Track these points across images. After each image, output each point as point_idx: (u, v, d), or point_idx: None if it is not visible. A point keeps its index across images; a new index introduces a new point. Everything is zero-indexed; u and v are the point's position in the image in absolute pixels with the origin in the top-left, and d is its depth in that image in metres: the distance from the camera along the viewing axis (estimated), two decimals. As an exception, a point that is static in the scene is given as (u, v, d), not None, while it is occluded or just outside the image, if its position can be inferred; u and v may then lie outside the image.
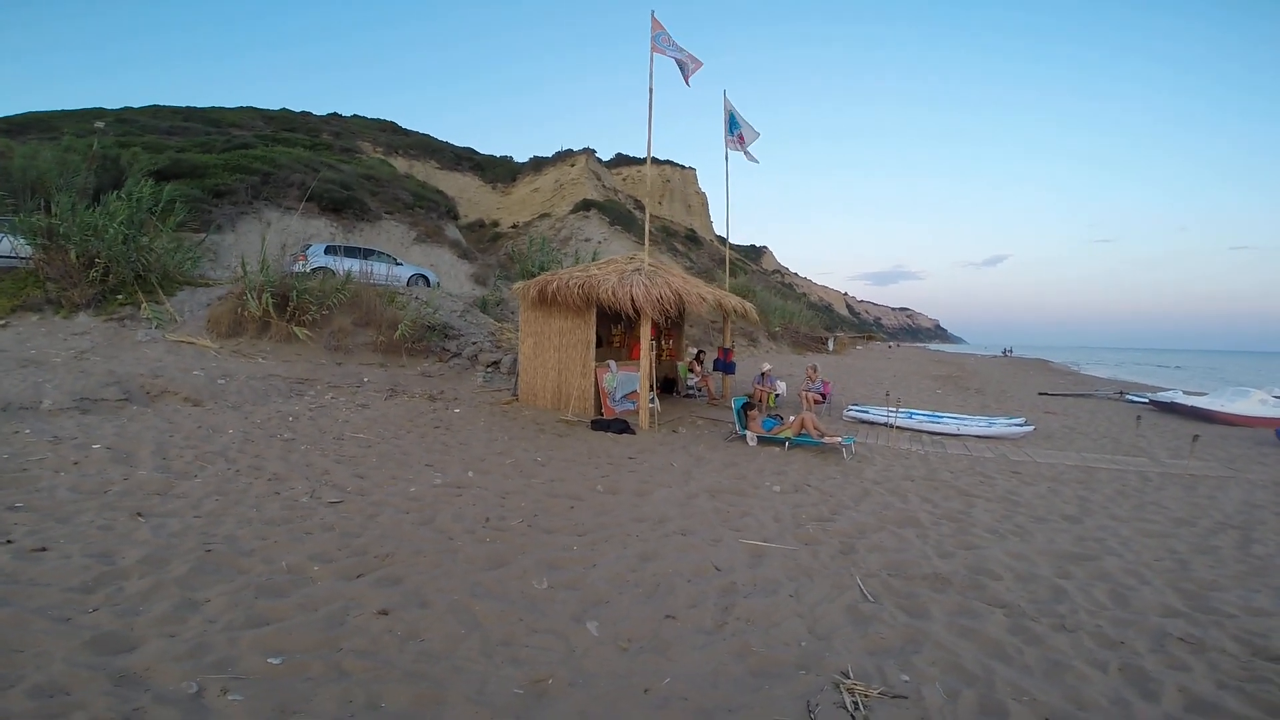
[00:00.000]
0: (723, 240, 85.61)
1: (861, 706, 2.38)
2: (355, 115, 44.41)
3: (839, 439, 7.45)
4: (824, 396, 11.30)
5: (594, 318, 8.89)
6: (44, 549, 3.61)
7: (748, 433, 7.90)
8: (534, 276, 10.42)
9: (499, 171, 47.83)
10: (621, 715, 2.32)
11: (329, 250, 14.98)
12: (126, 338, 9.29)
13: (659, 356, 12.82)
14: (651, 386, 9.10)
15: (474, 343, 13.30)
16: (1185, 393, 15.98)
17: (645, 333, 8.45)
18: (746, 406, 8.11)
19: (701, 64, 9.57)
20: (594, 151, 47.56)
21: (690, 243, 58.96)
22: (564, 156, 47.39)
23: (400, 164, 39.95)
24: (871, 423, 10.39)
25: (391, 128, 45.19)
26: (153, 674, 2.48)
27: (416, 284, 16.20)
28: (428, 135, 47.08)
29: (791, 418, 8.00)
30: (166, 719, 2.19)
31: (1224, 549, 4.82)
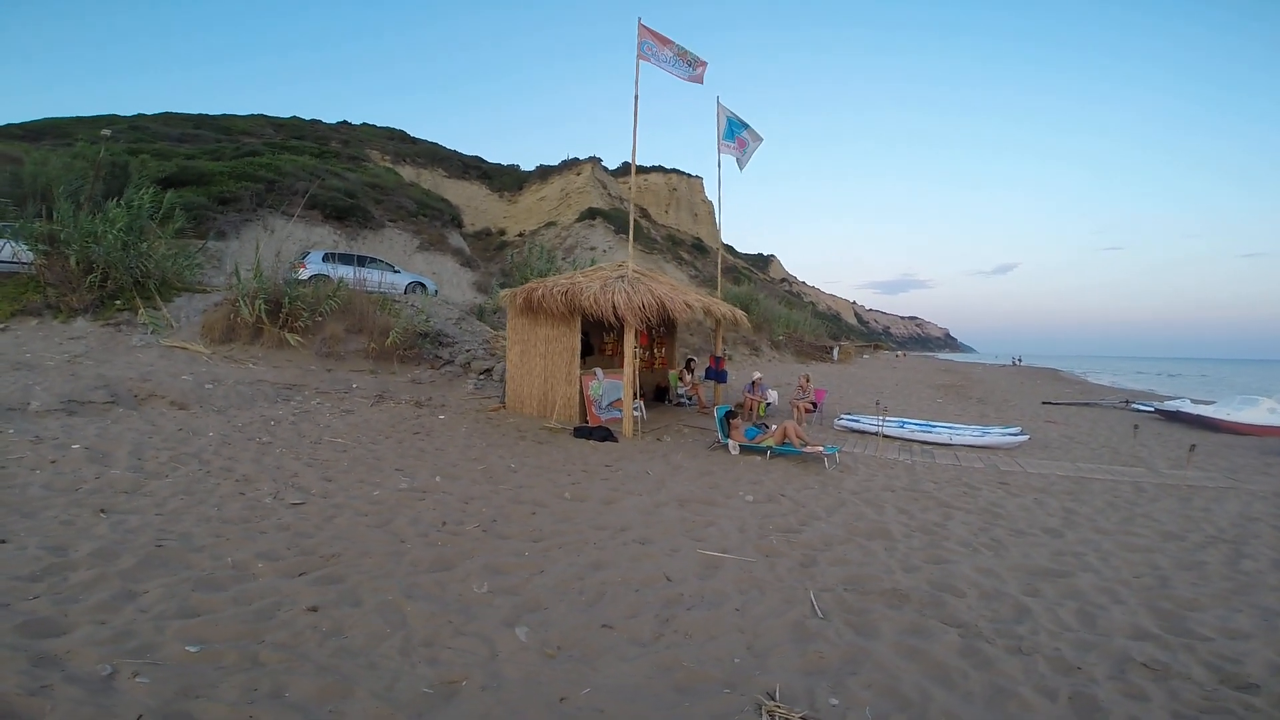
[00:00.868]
0: (729, 248, 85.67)
1: None
2: (365, 124, 45.05)
3: (820, 448, 7.36)
4: (815, 405, 11.20)
5: (579, 325, 8.88)
6: (3, 540, 3.68)
7: (730, 441, 7.82)
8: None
9: (506, 180, 48.24)
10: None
11: (327, 258, 15.15)
12: (121, 343, 9.41)
13: (651, 365, 12.80)
14: (637, 394, 9.07)
15: (467, 350, 13.34)
16: (1193, 401, 15.68)
17: (628, 340, 8.43)
18: (730, 415, 8.04)
19: (705, 64, 9.58)
20: (600, 160, 47.84)
21: (697, 251, 58.96)
22: (570, 165, 47.74)
23: (408, 172, 40.42)
24: (863, 432, 10.27)
25: (400, 136, 45.78)
26: (72, 657, 2.52)
27: (414, 291, 16.31)
28: (436, 143, 47.63)
29: (774, 426, 7.92)
30: (70, 697, 2.22)
31: (1211, 565, 4.65)
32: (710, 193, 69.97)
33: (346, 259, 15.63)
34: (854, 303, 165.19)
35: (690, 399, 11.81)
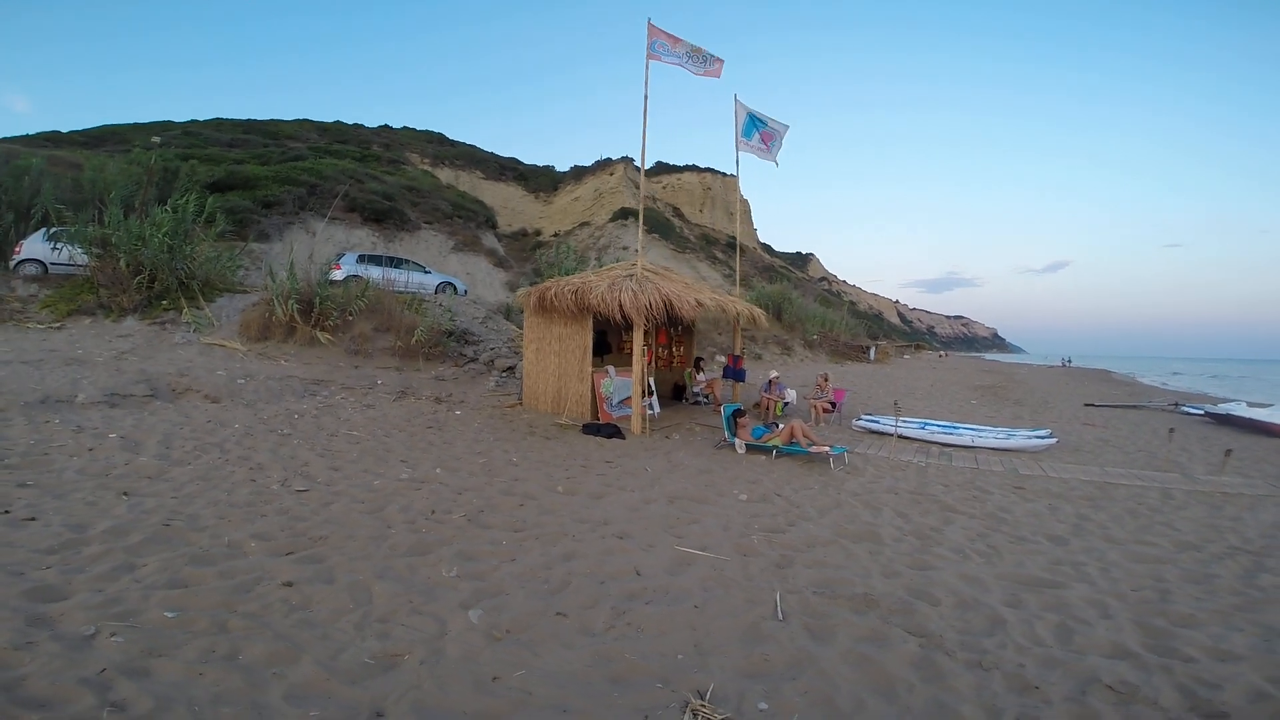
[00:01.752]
0: (767, 247, 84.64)
1: None
2: (405, 127, 46.51)
3: (827, 448, 7.25)
4: (834, 405, 11.01)
5: (590, 324, 9.00)
6: (33, 519, 4.06)
7: (736, 440, 7.80)
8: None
9: (541, 181, 49.03)
10: (451, 696, 2.40)
11: (361, 259, 15.78)
12: (165, 340, 10.07)
13: (670, 363, 12.83)
14: (647, 392, 9.13)
15: (492, 348, 13.67)
16: (1249, 404, 14.69)
17: (637, 338, 8.49)
18: (737, 414, 8.01)
19: (721, 61, 9.56)
20: (632, 160, 48.03)
21: (731, 250, 58.56)
22: (603, 165, 48.13)
23: (446, 174, 41.55)
24: (881, 433, 10.05)
25: (439, 139, 47.09)
26: (64, 618, 2.80)
27: (444, 291, 16.81)
28: (473, 146, 48.80)
29: (780, 425, 7.85)
30: (49, 652, 2.49)
31: (1222, 578, 4.37)
32: (746, 191, 69.23)
33: (379, 260, 16.25)
34: (897, 302, 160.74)
35: (707, 398, 11.79)
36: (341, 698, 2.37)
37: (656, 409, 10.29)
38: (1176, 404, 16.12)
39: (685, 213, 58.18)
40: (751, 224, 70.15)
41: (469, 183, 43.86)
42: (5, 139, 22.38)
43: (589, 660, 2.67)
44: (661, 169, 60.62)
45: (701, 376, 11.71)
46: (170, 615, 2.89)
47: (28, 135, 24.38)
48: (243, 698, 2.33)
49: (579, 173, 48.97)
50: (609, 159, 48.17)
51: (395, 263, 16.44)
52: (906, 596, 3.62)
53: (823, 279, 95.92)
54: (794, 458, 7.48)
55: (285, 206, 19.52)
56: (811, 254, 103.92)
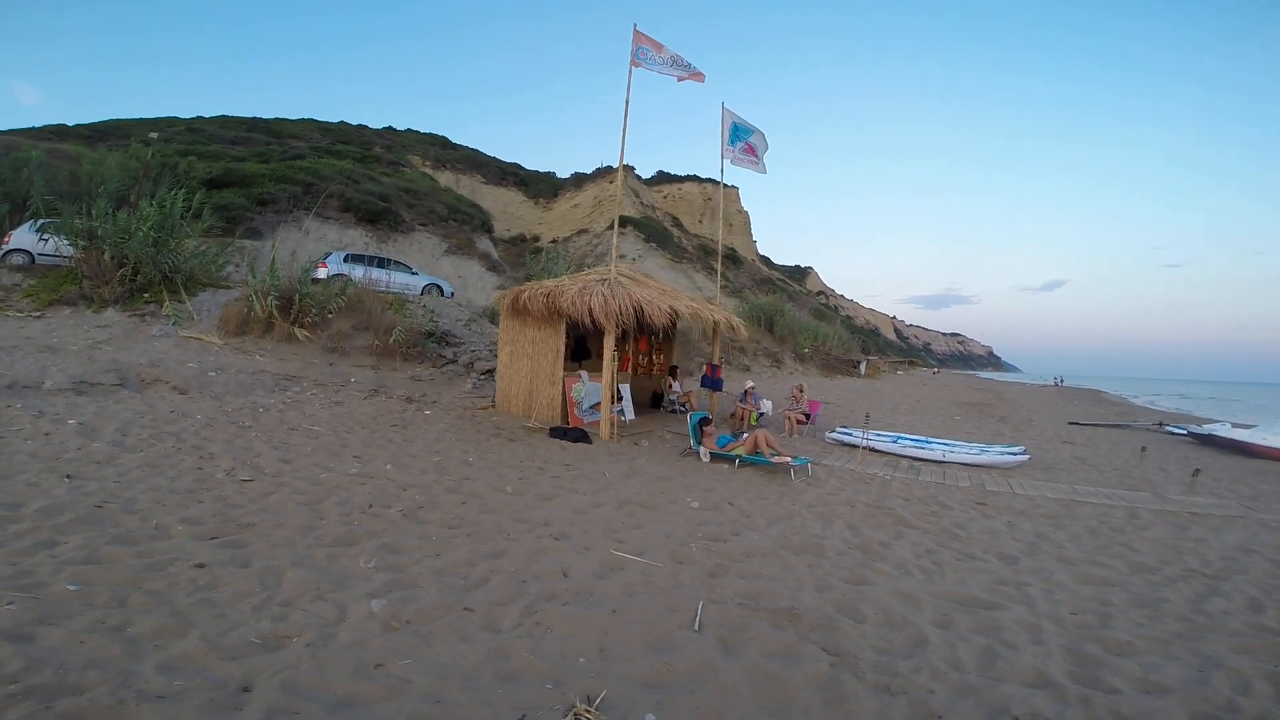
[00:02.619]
0: (766, 260, 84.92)
1: None
2: (409, 129, 46.85)
3: (789, 459, 7.23)
4: (808, 417, 11.00)
5: (562, 328, 9.00)
6: (-32, 496, 4.04)
7: (701, 448, 7.78)
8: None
9: (542, 187, 49.28)
10: (327, 678, 2.42)
11: (348, 258, 15.81)
12: (143, 332, 10.08)
13: (649, 371, 12.84)
14: (617, 398, 9.12)
15: (472, 350, 13.67)
16: (1233, 425, 14.68)
17: (608, 344, 8.49)
18: (703, 422, 7.99)
19: (703, 75, 9.68)
20: (633, 168, 48.29)
21: (729, 262, 58.73)
22: (604, 173, 48.36)
23: (447, 178, 41.79)
24: (854, 445, 10.02)
25: (441, 142, 47.41)
26: None
27: (430, 293, 16.84)
28: (476, 150, 49.12)
29: (745, 435, 7.84)
30: None
31: (1172, 602, 4.26)
32: (746, 203, 69.63)
33: (369, 260, 16.29)
34: (894, 318, 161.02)
35: (684, 406, 11.77)
36: (215, 671, 2.40)
37: (629, 415, 10.29)
38: (1161, 424, 16.11)
39: (685, 223, 58.44)
40: (750, 236, 70.39)
41: (469, 187, 44.11)
42: (10, 131, 22.56)
43: (484, 656, 2.64)
44: (662, 178, 60.96)
45: (676, 385, 11.70)
46: (73, 588, 2.92)
47: (33, 128, 24.56)
48: (115, 665, 2.37)
49: (579, 179, 49.25)
50: (610, 166, 48.49)
51: (382, 263, 16.48)
52: (832, 612, 3.54)
53: (820, 293, 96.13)
54: (757, 468, 7.46)
55: (280, 204, 19.61)
56: (810, 268, 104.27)
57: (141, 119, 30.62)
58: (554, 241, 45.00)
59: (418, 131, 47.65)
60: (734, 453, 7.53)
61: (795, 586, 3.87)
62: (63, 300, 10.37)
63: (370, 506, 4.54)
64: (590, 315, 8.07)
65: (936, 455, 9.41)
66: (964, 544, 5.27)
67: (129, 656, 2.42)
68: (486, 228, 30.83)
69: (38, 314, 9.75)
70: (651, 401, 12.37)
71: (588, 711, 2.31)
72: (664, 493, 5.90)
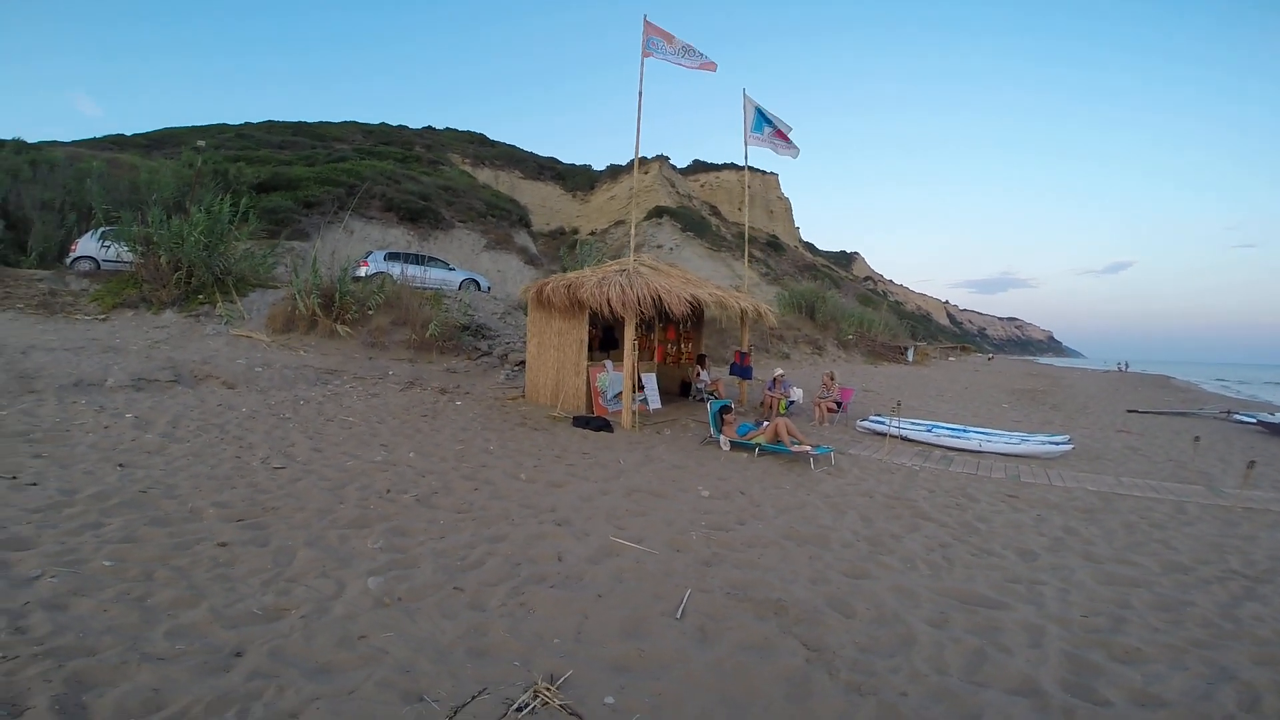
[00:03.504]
0: (809, 246, 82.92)
1: (526, 709, 2.30)
2: (448, 128, 47.94)
3: (809, 448, 7.13)
4: (839, 405, 10.77)
5: (586, 319, 9.11)
6: (34, 484, 4.52)
7: (721, 437, 7.76)
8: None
9: (578, 180, 49.61)
10: (312, 647, 2.62)
11: (388, 257, 16.42)
12: (197, 331, 10.79)
13: (679, 360, 12.84)
14: (637, 387, 9.18)
15: (506, 343, 14.00)
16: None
17: (628, 333, 8.56)
18: (724, 410, 7.95)
19: (714, 65, 9.59)
20: (668, 158, 47.97)
21: (771, 249, 57.69)
22: (639, 164, 48.31)
23: (486, 175, 42.63)
24: (885, 434, 9.77)
25: (480, 139, 48.31)
26: (20, 563, 3.18)
27: (467, 288, 17.30)
28: (513, 146, 49.83)
29: (765, 423, 7.76)
30: None
31: (1199, 606, 3.93)
32: (787, 190, 68.12)
33: (409, 258, 16.88)
34: (946, 302, 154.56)
35: (711, 395, 11.72)
36: (214, 638, 2.63)
37: (655, 404, 10.33)
38: (1229, 411, 14.95)
39: (723, 211, 57.69)
40: (793, 222, 68.87)
41: (508, 182, 44.87)
42: (74, 142, 24.42)
43: (462, 632, 2.78)
44: (699, 167, 60.31)
45: (704, 374, 11.65)
46: (108, 564, 3.23)
47: (94, 139, 26.53)
48: (130, 631, 2.63)
49: (615, 171, 49.32)
50: (644, 158, 48.34)
51: (420, 260, 17.03)
52: (822, 606, 3.46)
53: (867, 278, 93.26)
54: (777, 457, 7.38)
55: (324, 206, 20.50)
56: (856, 253, 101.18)
57: (194, 127, 32.45)
58: (592, 234, 45.31)
59: (456, 130, 48.73)
60: (754, 441, 7.48)
61: (790, 578, 3.81)
62: (125, 303, 11.20)
63: (388, 492, 4.77)
64: (609, 305, 8.14)
65: (972, 445, 9.06)
66: (983, 538, 5.07)
67: (144, 624, 2.69)
68: (524, 222, 31.31)
69: (103, 317, 10.57)
70: (680, 390, 12.38)
71: (547, 689, 2.37)
72: (675, 481, 5.94)
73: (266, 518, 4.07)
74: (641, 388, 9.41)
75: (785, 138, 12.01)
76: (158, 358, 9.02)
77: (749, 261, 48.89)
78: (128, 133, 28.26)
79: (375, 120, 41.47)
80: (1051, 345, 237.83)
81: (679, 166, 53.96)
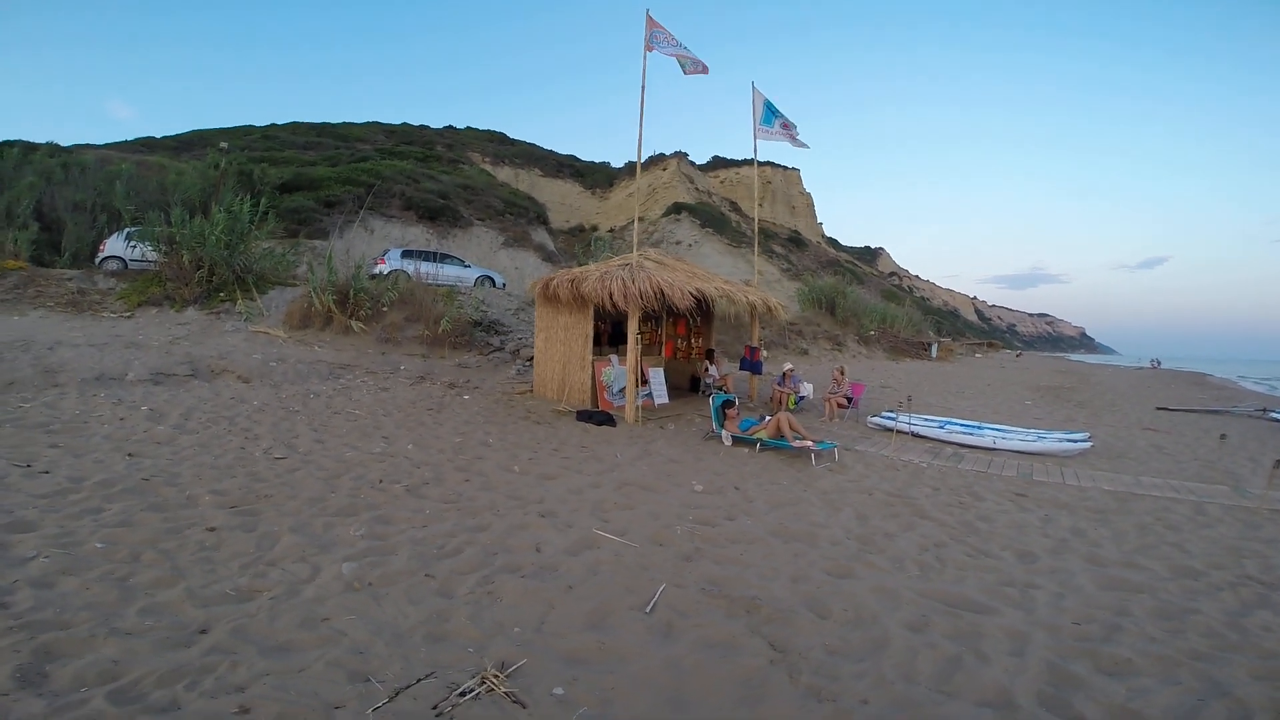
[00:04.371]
0: (833, 242, 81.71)
1: (470, 694, 2.31)
2: (468, 127, 48.46)
3: (810, 443, 7.02)
4: (849, 401, 10.59)
5: (590, 313, 9.13)
6: (46, 472, 4.70)
7: (724, 432, 7.70)
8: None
9: (597, 177, 49.70)
10: (275, 627, 2.70)
11: (405, 254, 16.68)
12: (217, 328, 11.12)
13: (688, 354, 12.78)
14: (641, 381, 9.17)
15: (519, 338, 14.11)
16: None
17: (631, 327, 8.54)
18: (726, 405, 7.89)
19: (707, 69, 9.58)
20: (686, 155, 47.74)
21: (793, 245, 57.03)
22: (656, 161, 48.12)
23: (506, 173, 42.99)
24: (895, 430, 9.58)
25: (499, 138, 48.75)
26: (19, 545, 3.33)
27: (482, 284, 17.49)
28: (533, 144, 50.15)
29: (768, 418, 7.67)
30: None
31: (1204, 615, 3.69)
32: (809, 185, 67.22)
33: (425, 255, 17.13)
34: (974, 298, 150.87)
35: (720, 389, 11.64)
36: (184, 616, 2.73)
37: (663, 398, 10.30)
38: (1265, 409, 14.27)
39: (743, 207, 57.15)
40: (815, 218, 67.94)
41: (528, 180, 45.19)
42: (106, 145, 25.36)
43: (424, 617, 2.82)
44: (719, 163, 59.88)
45: (713, 369, 11.57)
46: (100, 546, 3.37)
47: (125, 141, 27.53)
48: (107, 608, 2.75)
49: (633, 168, 49.34)
50: (662, 154, 48.23)
51: (436, 257, 17.27)
52: (798, 605, 3.36)
53: (892, 274, 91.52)
54: (779, 452, 7.29)
55: (345, 205, 20.93)
56: (881, 248, 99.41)
57: (221, 128, 33.38)
58: (610, 230, 45.36)
59: (477, 129, 49.23)
60: (755, 436, 7.40)
61: (769, 575, 3.72)
62: (150, 301, 11.59)
63: (380, 482, 4.85)
64: (611, 299, 8.13)
65: (986, 442, 8.82)
66: (982, 538, 4.89)
67: (121, 601, 2.81)
68: (542, 219, 31.51)
69: (128, 314, 10.97)
70: (691, 385, 12.32)
71: (496, 676, 2.39)
72: (670, 476, 5.90)
73: (259, 505, 4.17)
74: (645, 382, 9.38)
75: (790, 129, 11.88)
76: (177, 353, 9.31)
77: (769, 257, 48.41)
78: (158, 135, 29.24)
79: (398, 120, 42.18)
80: (1084, 342, 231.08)
81: (698, 163, 53.64)
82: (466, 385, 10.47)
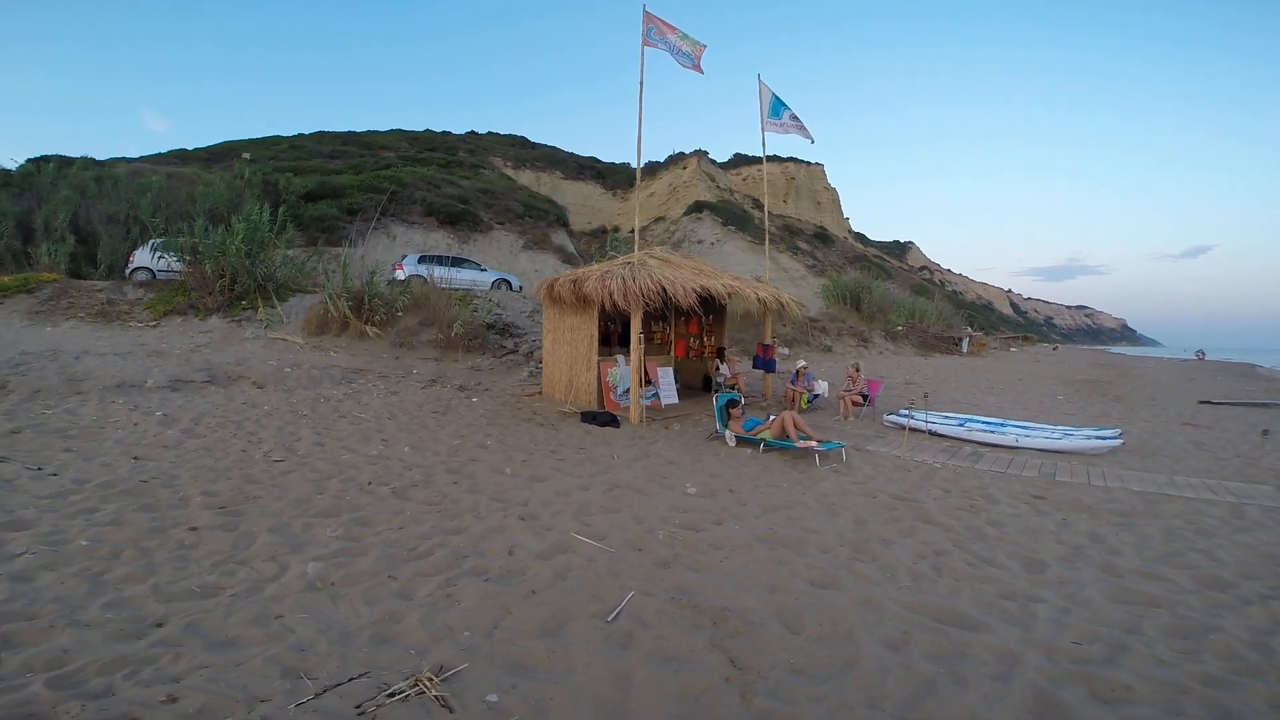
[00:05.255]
0: (860, 237, 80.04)
1: (398, 695, 2.28)
2: (490, 132, 49.05)
3: (814, 443, 6.80)
4: (865, 398, 10.28)
5: (595, 314, 9.07)
6: (54, 474, 4.86)
7: (727, 432, 7.53)
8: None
9: (618, 178, 49.72)
10: (228, 622, 2.74)
11: (422, 259, 16.92)
12: (238, 335, 11.44)
13: (700, 353, 12.61)
14: (645, 381, 9.06)
15: (532, 340, 14.16)
16: None
17: (634, 326, 8.44)
18: (730, 404, 7.72)
19: (704, 46, 9.39)
20: (706, 153, 47.39)
21: (819, 241, 56.05)
22: (676, 160, 47.90)
23: (528, 177, 43.35)
24: (910, 429, 9.24)
25: (521, 142, 49.16)
26: (10, 543, 3.46)
27: (499, 288, 17.63)
28: (554, 147, 50.44)
29: (773, 417, 7.48)
30: None
31: (1227, 633, 3.30)
32: (834, 180, 66.02)
33: (442, 260, 17.35)
34: (1009, 291, 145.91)
35: (732, 388, 11.44)
36: (144, 609, 2.80)
37: (671, 398, 10.17)
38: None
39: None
40: (840, 213, 66.69)
41: (550, 183, 45.47)
42: (140, 158, 26.46)
43: (377, 618, 2.81)
44: (740, 160, 59.26)
45: (724, 368, 11.38)
46: (85, 544, 3.47)
47: (159, 154, 28.65)
48: (74, 601, 2.84)
49: (653, 168, 49.17)
50: (682, 153, 47.98)
51: (456, 262, 17.48)
52: (769, 617, 3.16)
53: (923, 268, 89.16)
54: (783, 452, 7.09)
55: (367, 213, 21.35)
56: (910, 242, 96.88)
57: (250, 139, 34.47)
58: (632, 231, 45.38)
59: (498, 134, 49.79)
60: (759, 436, 7.22)
61: (746, 584, 3.52)
62: (175, 310, 12.01)
63: (369, 484, 4.88)
64: (612, 298, 8.06)
65: (1008, 440, 8.43)
66: (988, 545, 4.57)
67: (89, 595, 2.90)
68: (562, 221, 31.64)
69: (154, 324, 11.37)
70: (703, 385, 12.16)
71: (430, 679, 2.35)
72: (664, 478, 5.78)
73: (246, 506, 4.24)
74: (648, 382, 9.27)
75: (797, 120, 11.63)
76: (196, 360, 9.60)
77: (794, 254, 47.71)
78: (190, 147, 30.36)
79: (421, 128, 42.91)
80: (1125, 334, 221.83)
81: (719, 161, 53.18)
82: (477, 388, 10.52)
